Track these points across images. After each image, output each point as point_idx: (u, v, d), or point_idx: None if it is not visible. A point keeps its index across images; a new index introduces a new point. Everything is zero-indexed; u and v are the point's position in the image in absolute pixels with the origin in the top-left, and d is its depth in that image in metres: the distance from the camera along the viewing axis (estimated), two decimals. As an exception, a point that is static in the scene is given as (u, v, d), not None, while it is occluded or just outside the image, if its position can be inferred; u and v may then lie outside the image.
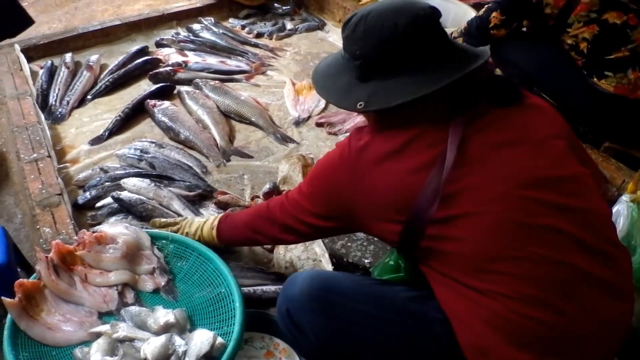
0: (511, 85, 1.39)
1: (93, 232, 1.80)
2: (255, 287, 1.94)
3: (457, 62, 1.35)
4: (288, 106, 3.11)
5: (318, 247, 2.16)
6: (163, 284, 1.76)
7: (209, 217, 1.93)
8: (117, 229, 1.82)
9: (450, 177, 1.24)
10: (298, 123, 2.99)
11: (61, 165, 2.47)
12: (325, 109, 3.13)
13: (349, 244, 2.19)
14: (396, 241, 1.35)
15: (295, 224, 1.59)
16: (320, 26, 4.01)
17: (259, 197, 2.38)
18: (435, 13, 1.37)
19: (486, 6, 2.60)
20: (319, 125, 3.00)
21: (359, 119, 3.04)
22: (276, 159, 2.69)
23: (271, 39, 3.78)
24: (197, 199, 2.34)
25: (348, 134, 2.88)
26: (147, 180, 2.28)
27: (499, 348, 1.22)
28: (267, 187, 2.42)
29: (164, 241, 1.88)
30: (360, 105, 1.35)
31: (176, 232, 1.92)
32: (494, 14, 2.53)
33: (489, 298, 1.23)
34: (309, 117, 3.05)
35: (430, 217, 1.25)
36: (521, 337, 1.22)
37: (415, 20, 1.32)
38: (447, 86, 1.31)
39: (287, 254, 2.14)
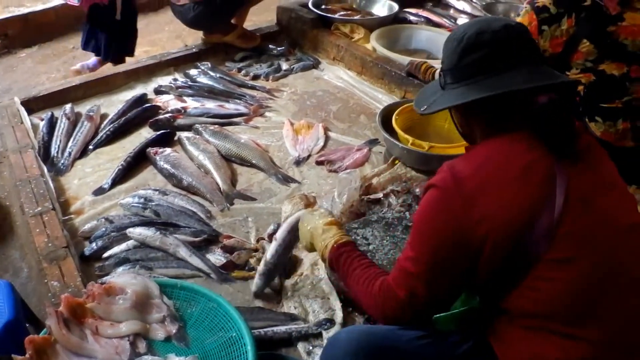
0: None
1: (101, 283, 1.81)
2: (265, 329, 1.95)
3: (532, 75, 1.37)
4: (287, 146, 3.14)
5: (325, 285, 2.18)
6: (174, 331, 1.76)
7: (327, 230, 1.75)
8: (125, 279, 1.83)
9: (562, 215, 1.23)
10: (298, 162, 3.02)
11: (66, 217, 2.49)
12: (324, 146, 3.17)
13: (356, 281, 2.19)
14: (493, 277, 1.31)
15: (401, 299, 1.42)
16: (315, 65, 4.06)
17: (264, 239, 2.40)
18: (515, 27, 1.41)
19: None
20: (319, 163, 3.03)
21: (358, 155, 3.08)
22: (279, 199, 2.71)
23: (267, 80, 3.83)
24: (203, 244, 2.36)
25: (348, 170, 2.94)
26: (153, 229, 2.30)
27: None
28: (271, 228, 2.43)
29: (172, 289, 1.88)
30: (424, 108, 1.49)
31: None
32: None
33: (584, 342, 1.24)
34: (309, 155, 3.08)
35: (538, 256, 1.24)
36: None
37: (481, 33, 1.39)
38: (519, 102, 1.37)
39: (296, 293, 2.15)
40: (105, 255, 2.25)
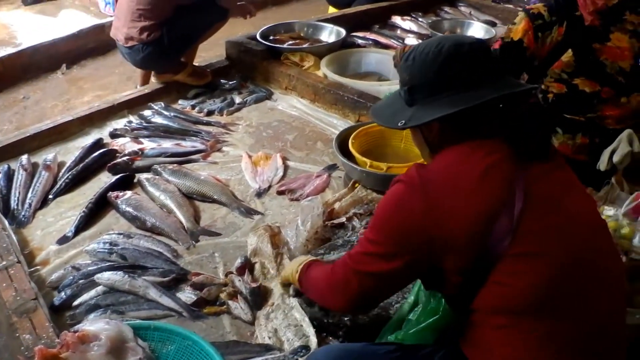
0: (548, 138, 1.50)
1: (74, 331, 1.81)
2: (242, 363, 1.97)
3: (499, 86, 1.43)
4: (247, 179, 3.18)
5: (297, 313, 2.20)
6: (152, 374, 1.78)
7: (299, 259, 2.00)
8: (98, 325, 1.84)
9: (523, 215, 1.28)
10: (260, 194, 3.06)
11: (32, 269, 2.46)
12: (284, 176, 3.22)
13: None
14: (461, 277, 1.35)
15: (356, 278, 1.51)
16: (268, 96, 4.12)
17: (232, 273, 2.42)
18: (482, 43, 1.50)
19: None
20: (280, 193, 3.08)
21: (318, 182, 3.14)
22: (243, 232, 2.75)
23: (222, 115, 3.87)
24: (173, 284, 2.37)
25: (310, 197, 2.99)
26: (121, 273, 2.31)
27: None
28: (238, 261, 2.46)
29: (146, 330, 1.90)
30: (401, 123, 1.49)
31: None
32: None
33: (556, 339, 1.29)
34: (270, 186, 3.13)
35: (501, 252, 1.28)
36: None
37: (459, 45, 1.43)
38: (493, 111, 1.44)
39: (269, 324, 2.18)
40: (75, 303, 2.25)
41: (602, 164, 2.40)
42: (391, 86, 3.84)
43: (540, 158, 1.38)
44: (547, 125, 1.50)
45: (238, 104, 3.99)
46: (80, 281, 2.31)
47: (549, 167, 1.39)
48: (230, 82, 4.24)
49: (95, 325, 1.84)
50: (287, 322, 2.18)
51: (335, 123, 3.76)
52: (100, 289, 2.29)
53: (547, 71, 2.39)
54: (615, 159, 2.46)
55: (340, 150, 3.02)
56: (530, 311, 1.29)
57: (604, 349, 1.34)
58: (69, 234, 2.67)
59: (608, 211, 2.25)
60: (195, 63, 4.25)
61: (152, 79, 4.08)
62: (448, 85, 1.43)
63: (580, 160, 2.41)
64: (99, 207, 2.84)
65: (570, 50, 2.29)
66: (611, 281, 1.38)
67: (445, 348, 1.46)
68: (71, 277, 2.35)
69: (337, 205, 2.84)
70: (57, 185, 3.05)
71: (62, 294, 2.28)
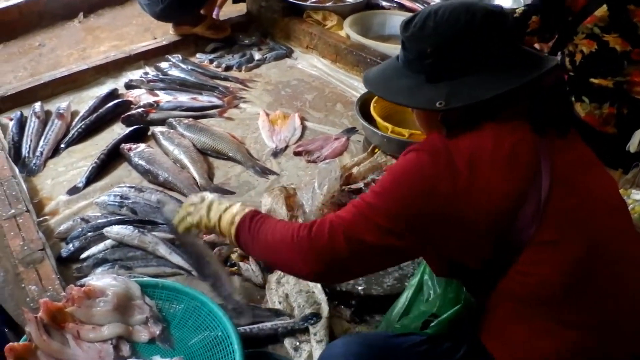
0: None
1: (81, 286, 1.76)
2: (251, 326, 1.92)
3: (529, 61, 1.30)
4: (264, 137, 3.10)
5: (310, 279, 2.16)
6: (158, 332, 1.72)
7: (231, 205, 1.55)
8: (106, 280, 1.79)
9: (548, 197, 1.19)
10: (276, 154, 2.98)
11: (41, 219, 2.42)
12: (301, 136, 3.14)
13: (340, 272, 2.16)
14: (481, 263, 1.26)
15: (345, 243, 1.29)
16: (288, 54, 4.01)
17: (244, 233, 2.36)
18: (504, 10, 1.36)
19: (523, 9, 2.47)
20: (297, 154, 3.00)
21: (336, 144, 3.05)
22: (258, 192, 2.68)
23: (240, 70, 3.77)
24: (182, 241, 2.32)
25: (328, 160, 2.91)
26: (130, 227, 2.25)
27: None
28: (251, 222, 2.40)
29: (154, 288, 1.84)
30: (440, 104, 1.24)
31: (195, 223, 1.59)
32: (533, 18, 2.40)
33: (578, 328, 1.24)
34: (287, 146, 3.05)
35: (530, 239, 1.20)
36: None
37: (491, 14, 1.27)
38: (521, 92, 1.26)
39: (280, 288, 2.13)
40: (83, 256, 2.20)
41: (633, 146, 2.31)
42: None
43: (561, 135, 1.28)
44: (569, 102, 1.37)
45: (257, 60, 3.88)
46: (89, 234, 2.26)
47: (568, 144, 1.30)
48: (250, 38, 4.12)
49: (102, 280, 1.79)
50: (298, 288, 2.12)
51: (356, 85, 3.65)
52: (108, 242, 2.24)
53: (577, 28, 2.29)
54: None
55: (361, 113, 2.92)
56: (554, 300, 1.23)
57: (631, 333, 1.29)
58: (80, 185, 2.62)
59: (636, 195, 2.17)
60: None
61: (170, 31, 3.97)
62: (486, 57, 1.26)
63: (609, 133, 2.32)
64: (111, 159, 2.78)
65: (605, 5, 2.20)
66: (633, 262, 1.30)
67: (467, 342, 1.38)
68: (80, 229, 2.30)
69: (355, 170, 2.76)
70: (70, 135, 3.00)
71: (70, 245, 2.24)
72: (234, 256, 2.26)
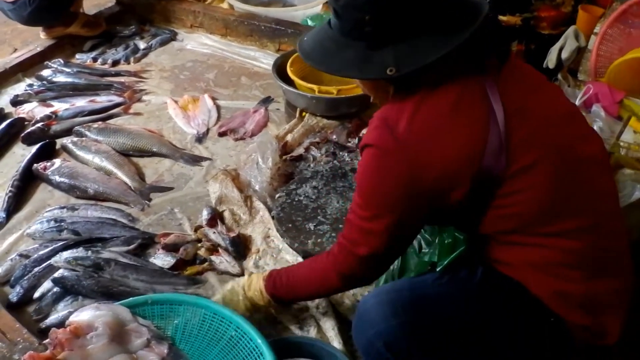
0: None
1: (66, 326, 1.53)
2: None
3: (466, 13, 1.25)
4: (181, 125, 2.90)
5: (288, 255, 2.06)
6: (166, 351, 1.54)
7: (242, 282, 1.72)
8: (89, 312, 1.57)
9: (507, 128, 1.20)
10: (200, 139, 2.80)
11: (-28, 267, 2.09)
12: (219, 116, 2.97)
13: (318, 239, 2.07)
14: (460, 211, 1.28)
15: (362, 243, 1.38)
16: (173, 37, 3.78)
17: (202, 227, 2.19)
18: None
19: None
20: (221, 135, 2.85)
21: (258, 117, 2.91)
22: (197, 182, 2.51)
23: (129, 63, 3.50)
24: (140, 251, 2.12)
25: (255, 136, 2.76)
26: (81, 250, 2.01)
27: (578, 284, 1.28)
28: (205, 213, 2.24)
29: (143, 306, 1.65)
30: (391, 70, 1.21)
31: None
32: None
33: (563, 238, 1.25)
34: (208, 130, 2.87)
35: (500, 174, 1.20)
36: (594, 267, 1.29)
37: None
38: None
39: (260, 271, 1.98)
40: (37, 295, 1.93)
41: (551, 62, 2.40)
42: (305, 11, 3.65)
43: (502, 62, 1.29)
44: (500, 26, 1.38)
45: (143, 49, 3.62)
46: (35, 269, 1.99)
47: (511, 70, 1.30)
48: (129, 28, 3.83)
49: (84, 313, 1.57)
50: (279, 266, 1.99)
51: (254, 55, 3.53)
52: (61, 272, 1.97)
53: None
54: (564, 55, 2.47)
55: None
56: (544, 218, 1.25)
57: (610, 234, 1.33)
58: (1, 220, 2.29)
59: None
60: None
61: (41, 36, 3.58)
62: (426, 18, 1.21)
63: None
64: (26, 183, 2.46)
65: None
66: (600, 164, 1.36)
67: (479, 268, 1.39)
68: (22, 267, 2.01)
69: (289, 138, 2.65)
70: (-34, 170, 2.61)
71: (18, 288, 1.95)
72: (201, 252, 2.11)
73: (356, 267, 1.42)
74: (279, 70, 2.83)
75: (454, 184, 1.23)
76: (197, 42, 3.72)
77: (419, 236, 1.63)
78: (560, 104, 1.37)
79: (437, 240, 1.50)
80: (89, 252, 1.99)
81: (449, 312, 1.33)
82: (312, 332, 1.79)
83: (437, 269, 1.45)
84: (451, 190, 1.24)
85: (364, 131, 2.68)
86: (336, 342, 1.72)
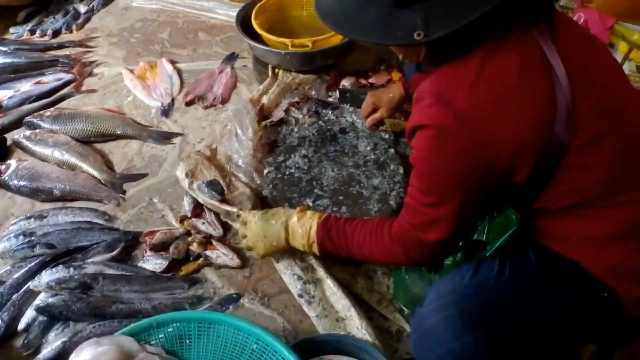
0: None
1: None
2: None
3: None
4: (142, 98, 2.63)
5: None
6: (183, 382, 1.38)
7: (304, 217, 1.65)
8: (89, 351, 1.37)
9: (573, 97, 1.12)
10: (166, 112, 2.55)
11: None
12: (182, 83, 2.72)
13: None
14: (522, 187, 1.20)
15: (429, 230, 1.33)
16: (115, -6, 3.43)
17: (188, 217, 1.99)
18: None
19: None
20: (188, 104, 2.60)
21: (225, 78, 2.67)
22: (172, 163, 2.28)
23: (71, 31, 3.16)
24: (125, 255, 1.91)
25: (227, 104, 2.52)
26: (60, 267, 1.79)
27: (633, 256, 1.25)
28: (188, 202, 2.04)
29: (149, 331, 1.47)
30: (419, 35, 1.08)
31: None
32: None
33: (621, 209, 1.22)
34: (173, 99, 2.62)
35: (568, 146, 1.13)
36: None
37: None
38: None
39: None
40: (21, 326, 1.71)
41: None
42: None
43: (550, 20, 1.18)
44: None
45: (84, 13, 3.28)
46: (13, 297, 1.76)
47: (562, 25, 1.20)
48: (63, -9, 3.45)
49: (85, 353, 1.37)
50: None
51: (207, 6, 3.26)
52: (43, 296, 1.75)
53: None
54: None
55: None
56: (608, 190, 1.21)
57: None
58: (-40, 241, 2.03)
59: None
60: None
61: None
62: None
63: None
64: (-20, 194, 2.19)
65: None
66: None
67: (530, 249, 1.32)
68: (-3, 296, 1.79)
69: (265, 100, 2.42)
70: None
71: (-2, 321, 1.73)
72: (193, 247, 1.90)
73: (426, 252, 1.39)
74: (243, 23, 2.57)
75: (522, 160, 1.14)
76: (145, -3, 3.39)
77: None
78: (612, 64, 1.31)
79: (486, 218, 1.38)
80: (71, 270, 1.77)
81: (521, 315, 1.24)
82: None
83: (487, 251, 1.34)
84: (520, 166, 1.15)
85: (344, 82, 2.48)
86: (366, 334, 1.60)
